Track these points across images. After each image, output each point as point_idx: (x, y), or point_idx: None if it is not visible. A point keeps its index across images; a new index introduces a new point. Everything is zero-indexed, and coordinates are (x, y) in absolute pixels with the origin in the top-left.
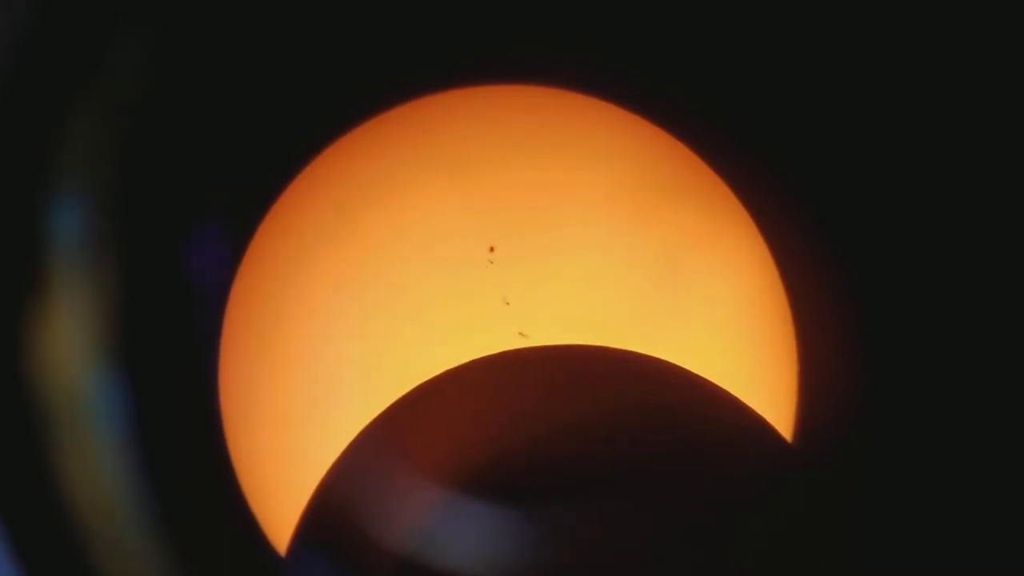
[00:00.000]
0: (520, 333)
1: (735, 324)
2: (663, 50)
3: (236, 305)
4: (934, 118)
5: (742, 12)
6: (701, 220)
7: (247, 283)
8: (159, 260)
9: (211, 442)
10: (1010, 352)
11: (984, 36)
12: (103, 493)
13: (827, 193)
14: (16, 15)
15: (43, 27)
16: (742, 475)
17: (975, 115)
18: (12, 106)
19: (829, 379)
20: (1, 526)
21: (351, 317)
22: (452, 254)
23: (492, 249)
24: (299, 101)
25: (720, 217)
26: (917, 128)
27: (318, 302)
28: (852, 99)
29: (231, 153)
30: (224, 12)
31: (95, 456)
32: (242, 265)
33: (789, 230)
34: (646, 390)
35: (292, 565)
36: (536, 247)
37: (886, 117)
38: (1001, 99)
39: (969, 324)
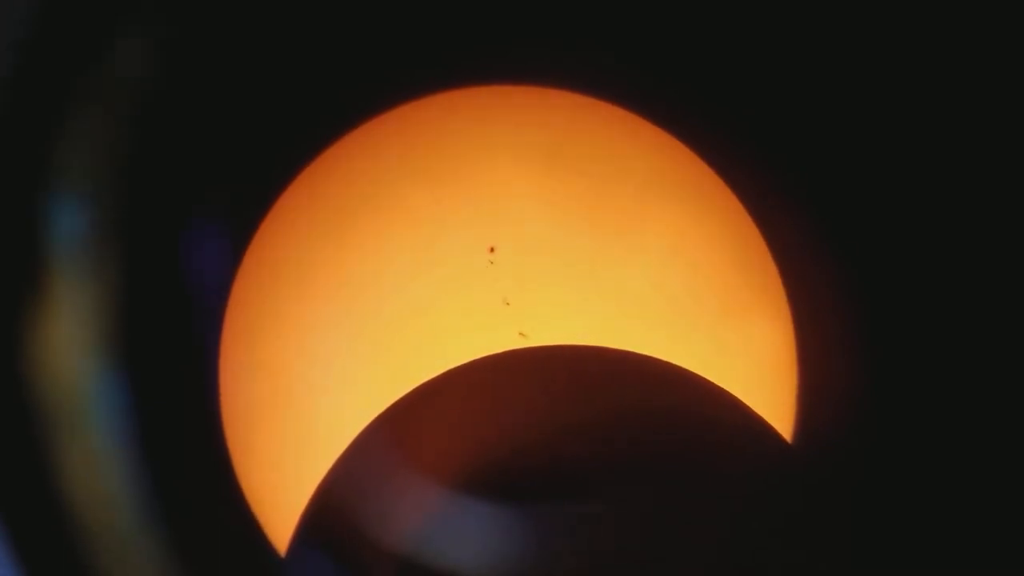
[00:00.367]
0: (520, 333)
1: (735, 324)
2: (663, 50)
3: (236, 305)
4: (934, 118)
5: (742, 12)
6: (701, 220)
7: (247, 283)
8: (159, 260)
9: (211, 442)
10: (1010, 352)
11: (984, 36)
12: (103, 493)
13: (827, 193)
14: (16, 15)
15: (43, 27)
16: (742, 475)
17: (975, 115)
18: (12, 106)
19: (829, 379)
20: (1, 526)
21: (351, 317)
22: (452, 254)
23: (492, 249)
24: (299, 102)
25: (720, 217)
26: (917, 128)
27: (318, 302)
28: (852, 99)
29: (231, 153)
30: (224, 12)
31: (95, 456)
32: (242, 265)
33: (789, 230)
34: (646, 390)
35: (292, 565)
36: (536, 247)
37: (886, 117)
38: (1001, 99)
39: (969, 324)
